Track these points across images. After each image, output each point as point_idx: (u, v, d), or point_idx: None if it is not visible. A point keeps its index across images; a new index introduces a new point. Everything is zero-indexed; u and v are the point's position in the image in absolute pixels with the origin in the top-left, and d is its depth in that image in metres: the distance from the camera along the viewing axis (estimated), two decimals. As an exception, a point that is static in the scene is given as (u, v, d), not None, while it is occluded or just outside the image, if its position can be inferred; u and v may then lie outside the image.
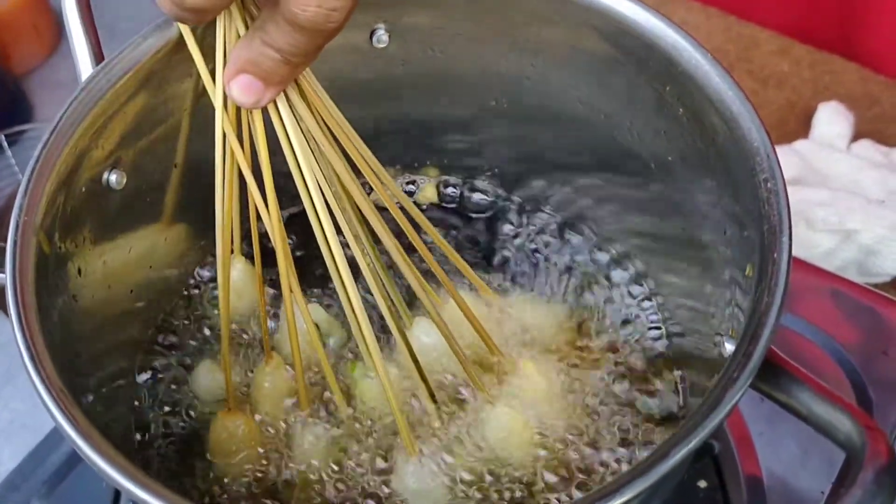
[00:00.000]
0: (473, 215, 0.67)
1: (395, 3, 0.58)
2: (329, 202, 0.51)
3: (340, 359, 0.59)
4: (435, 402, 0.55)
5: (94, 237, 0.52)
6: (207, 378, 0.58)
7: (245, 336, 0.61)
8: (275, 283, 0.56)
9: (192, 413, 0.58)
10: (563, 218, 0.66)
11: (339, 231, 0.51)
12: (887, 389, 0.65)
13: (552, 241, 0.65)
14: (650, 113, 0.55)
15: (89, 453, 0.41)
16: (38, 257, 0.47)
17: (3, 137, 0.85)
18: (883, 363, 0.66)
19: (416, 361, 0.54)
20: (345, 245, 0.52)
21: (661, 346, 0.60)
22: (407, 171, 0.69)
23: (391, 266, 0.55)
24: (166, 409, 0.58)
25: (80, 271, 0.51)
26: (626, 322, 0.61)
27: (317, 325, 0.56)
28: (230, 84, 0.48)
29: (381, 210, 0.54)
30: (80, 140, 0.50)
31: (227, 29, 0.50)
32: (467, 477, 0.54)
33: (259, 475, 0.55)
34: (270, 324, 0.59)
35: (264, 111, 0.50)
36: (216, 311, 0.61)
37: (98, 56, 0.55)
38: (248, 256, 0.59)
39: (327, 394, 0.57)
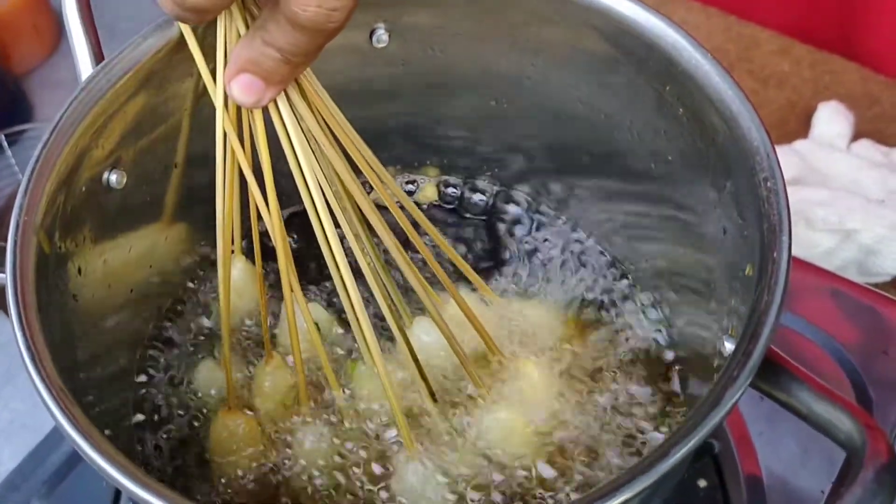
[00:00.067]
0: (473, 215, 0.67)
1: (395, 3, 0.58)
2: (329, 201, 0.51)
3: (341, 358, 0.59)
4: (435, 401, 0.55)
5: (95, 237, 0.52)
6: (208, 377, 0.58)
7: (245, 335, 0.61)
8: (275, 283, 0.56)
9: (192, 412, 0.58)
10: (562, 218, 0.66)
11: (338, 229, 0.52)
12: (887, 389, 0.65)
13: (552, 240, 0.65)
14: (650, 113, 0.55)
15: (89, 452, 0.41)
16: (39, 257, 0.47)
17: (3, 137, 0.85)
18: (883, 363, 0.66)
19: (416, 360, 0.54)
20: (346, 247, 0.52)
21: (660, 345, 0.60)
22: (407, 171, 0.69)
23: (391, 265, 0.55)
24: (166, 408, 0.58)
25: (80, 271, 0.51)
26: (625, 321, 0.61)
27: (317, 324, 0.57)
28: (231, 83, 0.48)
29: (382, 209, 0.54)
30: (80, 140, 0.50)
31: (227, 28, 0.50)
32: (467, 476, 0.54)
33: (259, 474, 0.55)
34: (270, 322, 0.59)
35: (265, 111, 0.50)
36: (216, 311, 0.61)
37: (98, 56, 0.55)
38: (249, 255, 0.59)
39: (328, 394, 0.57)
